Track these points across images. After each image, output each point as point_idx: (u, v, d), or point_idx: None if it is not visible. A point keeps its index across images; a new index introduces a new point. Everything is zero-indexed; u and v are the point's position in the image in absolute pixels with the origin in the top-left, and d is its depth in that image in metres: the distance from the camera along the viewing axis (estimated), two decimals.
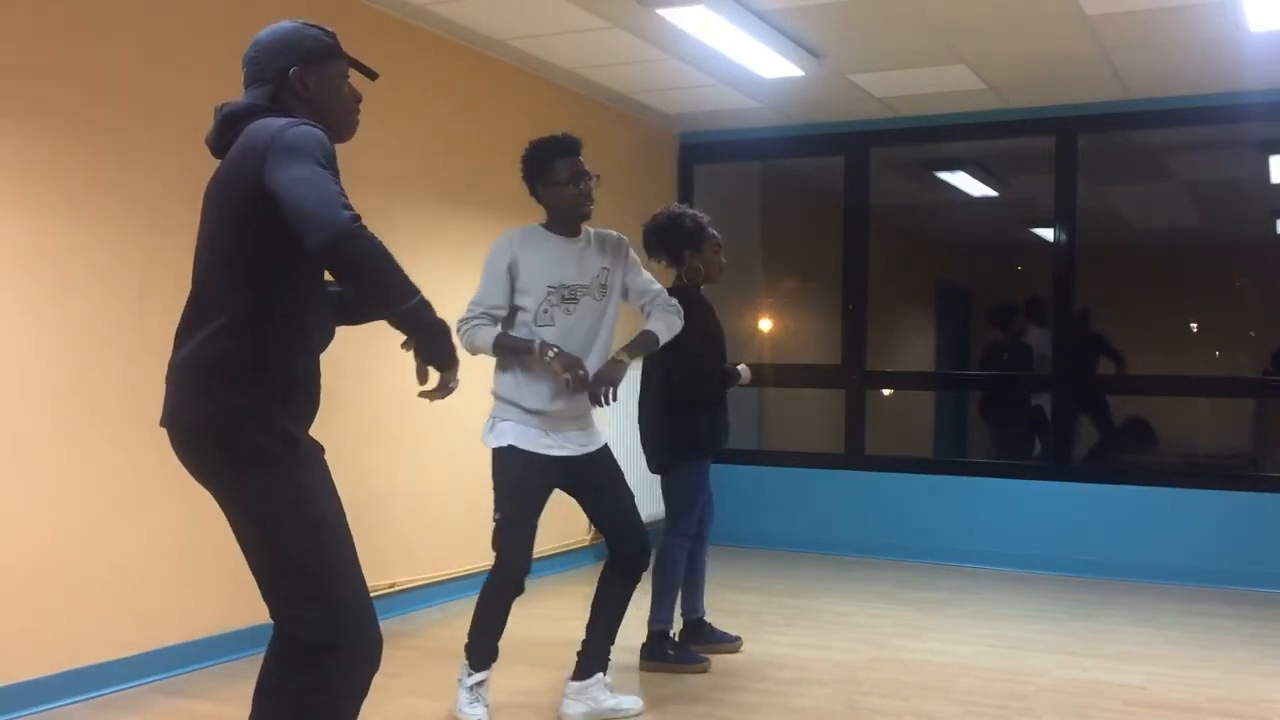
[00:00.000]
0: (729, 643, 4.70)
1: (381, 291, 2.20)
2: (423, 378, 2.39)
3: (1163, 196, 8.96)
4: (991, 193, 8.41)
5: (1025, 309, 7.83)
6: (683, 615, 4.67)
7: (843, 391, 7.23)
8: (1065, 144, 6.66)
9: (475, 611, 3.73)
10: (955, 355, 10.04)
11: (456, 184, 5.48)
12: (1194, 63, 5.68)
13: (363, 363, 4.97)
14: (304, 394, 2.40)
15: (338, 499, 2.41)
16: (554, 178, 3.66)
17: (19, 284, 3.66)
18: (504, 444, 3.62)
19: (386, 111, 5.11)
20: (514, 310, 3.67)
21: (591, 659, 3.82)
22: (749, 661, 4.52)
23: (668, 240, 4.47)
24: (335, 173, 2.24)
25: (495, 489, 3.64)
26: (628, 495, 3.79)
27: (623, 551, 3.77)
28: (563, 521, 5.31)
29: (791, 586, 6.05)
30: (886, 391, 7.80)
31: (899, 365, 8.36)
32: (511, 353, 3.61)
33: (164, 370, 2.36)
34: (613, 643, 3.86)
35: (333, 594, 2.32)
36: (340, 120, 2.47)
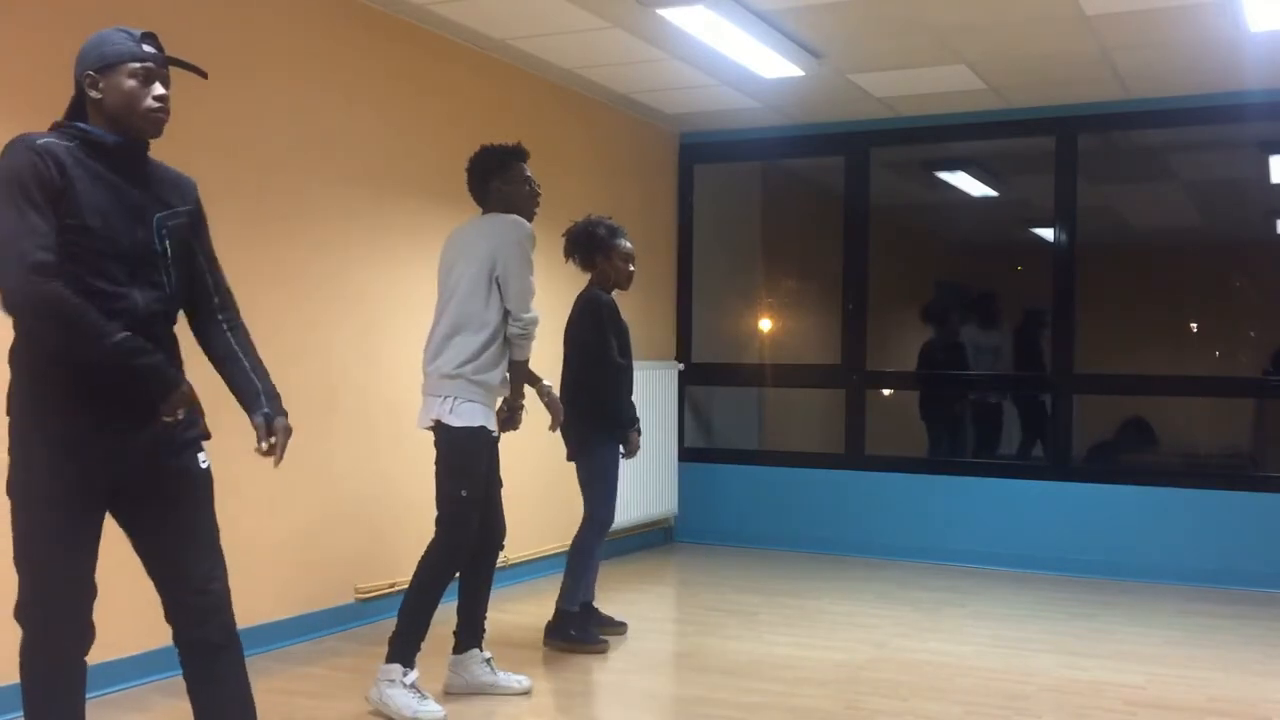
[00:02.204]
0: (615, 627, 4.90)
1: (79, 337, 2.39)
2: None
3: (1163, 196, 8.95)
4: (991, 193, 8.40)
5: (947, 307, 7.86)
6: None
7: (843, 391, 7.23)
8: (1065, 144, 6.67)
9: (422, 599, 3.80)
10: (955, 355, 10.02)
11: (455, 184, 5.46)
12: (1194, 63, 5.68)
13: (361, 364, 4.97)
14: (48, 369, 2.47)
15: (49, 504, 2.46)
16: (513, 177, 3.99)
17: None
18: (477, 424, 3.81)
19: (385, 111, 5.11)
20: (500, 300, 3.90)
21: (464, 636, 4.02)
22: (749, 661, 4.52)
23: (581, 246, 4.77)
24: (28, 193, 2.36)
25: (461, 467, 3.80)
26: (501, 481, 4.06)
27: (490, 537, 3.99)
28: (564, 521, 5.31)
29: (791, 586, 6.05)
30: (886, 391, 7.80)
31: (899, 365, 8.35)
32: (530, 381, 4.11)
33: None
34: (483, 619, 4.04)
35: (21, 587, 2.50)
36: (135, 121, 2.52)
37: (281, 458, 2.69)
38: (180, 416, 2.52)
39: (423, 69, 5.30)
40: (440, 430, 3.85)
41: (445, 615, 3.91)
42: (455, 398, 3.80)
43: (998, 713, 3.91)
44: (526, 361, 3.99)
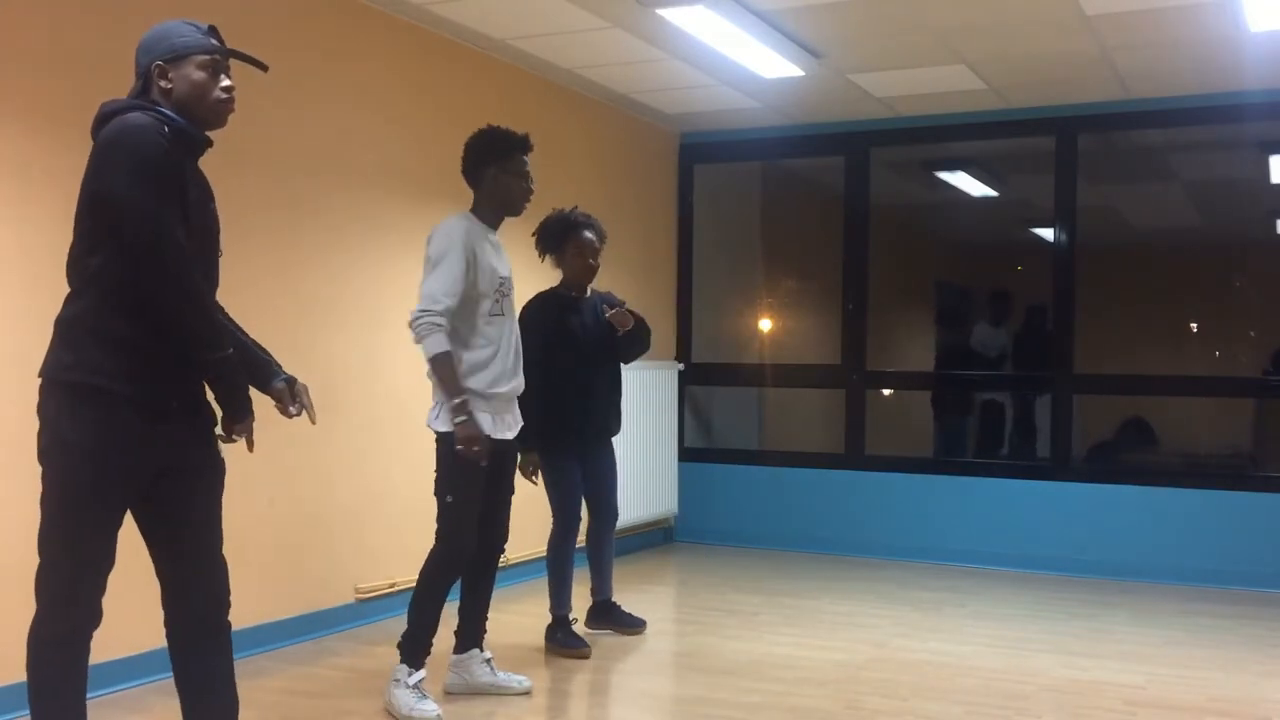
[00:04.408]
0: (633, 626, 4.92)
1: (200, 336, 2.47)
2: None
3: (1163, 196, 8.95)
4: (991, 193, 8.40)
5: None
6: (591, 596, 4.95)
7: (843, 391, 7.23)
8: (1065, 144, 6.66)
9: (421, 604, 3.79)
10: (955, 355, 10.04)
11: (455, 184, 5.46)
12: (1194, 63, 5.68)
13: (362, 364, 4.97)
14: (127, 353, 2.48)
15: (98, 479, 2.49)
16: (513, 168, 3.83)
17: (18, 284, 3.66)
18: (450, 429, 3.66)
19: (385, 111, 5.11)
20: (469, 301, 3.73)
21: (464, 636, 4.01)
22: (749, 661, 4.52)
23: (540, 242, 4.62)
24: (167, 176, 2.41)
25: (447, 472, 3.72)
26: (513, 487, 4.00)
27: (490, 540, 3.93)
28: None
29: (791, 586, 6.05)
30: (886, 391, 7.80)
31: (899, 365, 8.35)
32: (443, 383, 3.66)
33: None
34: (484, 620, 4.03)
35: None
36: (203, 112, 2.58)
37: (315, 415, 2.79)
38: (235, 440, 2.57)
39: (423, 69, 5.30)
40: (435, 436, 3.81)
41: (448, 614, 3.90)
42: (439, 404, 3.73)
43: (998, 713, 3.91)
44: (433, 363, 3.64)
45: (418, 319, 3.64)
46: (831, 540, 6.99)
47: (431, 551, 3.83)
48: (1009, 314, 7.95)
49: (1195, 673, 4.46)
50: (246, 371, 2.64)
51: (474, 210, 3.88)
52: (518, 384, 3.91)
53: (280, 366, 2.79)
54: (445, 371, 3.64)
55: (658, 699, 4.21)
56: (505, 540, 4.03)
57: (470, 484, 3.74)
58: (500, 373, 3.81)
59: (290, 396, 2.72)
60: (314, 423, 2.79)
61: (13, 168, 3.66)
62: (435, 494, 3.79)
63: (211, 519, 2.67)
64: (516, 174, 3.84)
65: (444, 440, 3.73)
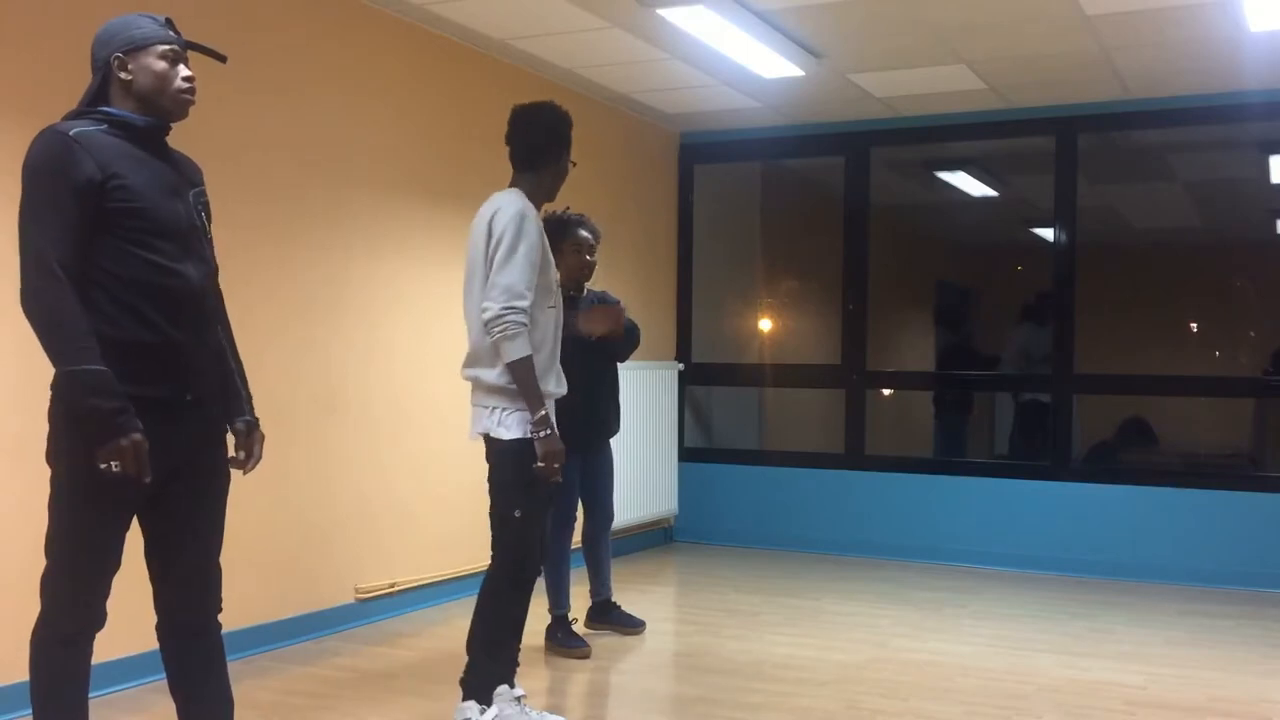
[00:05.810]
0: (633, 626, 4.93)
1: (48, 351, 2.37)
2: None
3: (1163, 196, 8.95)
4: (991, 193, 8.40)
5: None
6: (590, 597, 4.95)
7: (843, 391, 7.24)
8: (1065, 144, 6.67)
9: (490, 631, 3.49)
10: (955, 355, 10.04)
11: (455, 184, 5.48)
12: (1194, 63, 5.68)
13: (361, 364, 4.97)
14: (128, 357, 2.44)
15: (107, 483, 2.40)
16: (569, 157, 3.69)
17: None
18: (521, 436, 3.40)
19: (385, 111, 5.11)
20: (539, 292, 3.45)
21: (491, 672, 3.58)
22: (749, 661, 4.52)
23: None
24: (56, 189, 2.38)
25: (511, 484, 3.42)
26: (552, 495, 3.64)
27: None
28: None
29: (791, 586, 6.05)
30: (886, 391, 7.80)
31: (899, 365, 8.35)
32: (525, 391, 3.35)
33: None
34: (517, 646, 3.61)
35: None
36: (165, 102, 2.56)
37: (253, 468, 2.72)
38: (114, 469, 2.36)
39: (423, 69, 5.30)
40: (490, 444, 3.46)
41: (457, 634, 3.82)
42: (503, 409, 3.40)
43: (998, 713, 3.91)
44: (516, 368, 3.33)
45: (503, 316, 3.29)
46: (831, 540, 6.99)
47: (492, 569, 3.51)
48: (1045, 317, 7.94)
49: (1195, 673, 4.46)
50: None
51: (524, 190, 3.56)
52: (562, 389, 3.58)
53: (251, 408, 2.73)
54: (529, 378, 3.33)
55: (658, 699, 4.21)
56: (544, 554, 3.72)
57: (541, 498, 3.45)
58: (548, 371, 3.49)
59: (245, 440, 2.69)
60: (244, 473, 2.70)
61: (13, 167, 3.65)
62: (499, 509, 3.46)
63: (215, 523, 2.67)
64: (569, 162, 3.68)
65: (509, 449, 3.40)
